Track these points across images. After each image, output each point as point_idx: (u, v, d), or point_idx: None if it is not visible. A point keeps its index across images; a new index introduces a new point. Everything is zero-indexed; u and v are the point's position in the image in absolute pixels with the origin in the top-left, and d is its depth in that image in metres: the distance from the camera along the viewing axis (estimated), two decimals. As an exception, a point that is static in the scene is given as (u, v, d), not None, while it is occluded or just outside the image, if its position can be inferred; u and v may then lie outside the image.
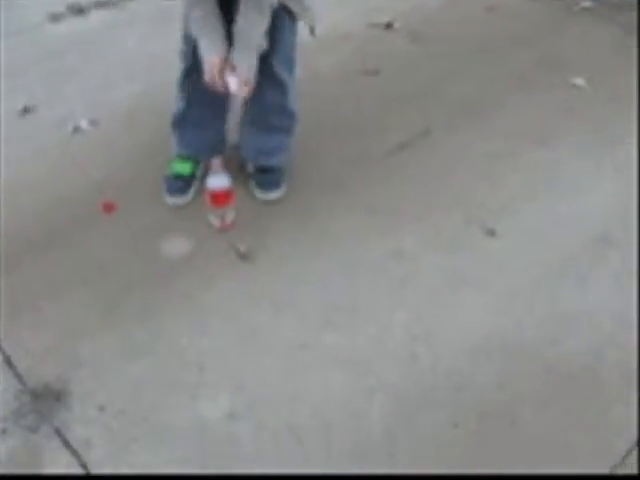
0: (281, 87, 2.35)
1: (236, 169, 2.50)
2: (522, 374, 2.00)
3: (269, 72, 2.24)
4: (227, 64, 2.17)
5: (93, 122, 2.82)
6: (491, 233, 2.38)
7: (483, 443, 1.85)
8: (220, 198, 2.33)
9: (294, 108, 2.44)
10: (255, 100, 2.32)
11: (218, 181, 2.31)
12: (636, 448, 1.83)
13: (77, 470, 1.79)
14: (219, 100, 2.35)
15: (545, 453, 1.83)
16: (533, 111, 2.87)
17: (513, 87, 3.00)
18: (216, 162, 2.28)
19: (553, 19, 3.42)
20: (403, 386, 1.97)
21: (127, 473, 1.79)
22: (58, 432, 1.87)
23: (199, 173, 2.53)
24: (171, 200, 2.48)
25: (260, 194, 2.50)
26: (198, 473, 1.79)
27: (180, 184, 2.49)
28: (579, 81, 3.00)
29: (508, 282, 2.24)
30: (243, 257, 2.31)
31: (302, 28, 2.29)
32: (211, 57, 2.17)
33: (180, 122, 2.47)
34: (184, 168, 2.51)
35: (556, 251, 2.33)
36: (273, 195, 2.50)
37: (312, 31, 2.30)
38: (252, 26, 2.13)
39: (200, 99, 2.37)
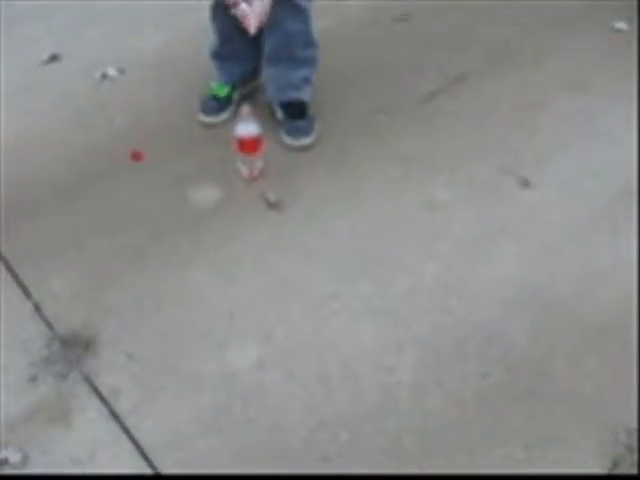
0: (302, 14, 2.31)
1: (266, 117, 2.45)
2: (554, 327, 1.96)
3: (292, 3, 2.19)
4: None
5: (121, 70, 2.79)
6: (525, 183, 2.32)
7: (512, 395, 1.82)
8: (249, 145, 2.29)
9: (316, 37, 2.41)
10: (277, 32, 2.30)
11: (247, 128, 2.27)
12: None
13: (107, 418, 1.80)
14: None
15: (575, 407, 1.80)
16: (572, 56, 2.77)
17: (553, 31, 2.89)
18: (245, 109, 2.24)
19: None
20: (433, 337, 1.94)
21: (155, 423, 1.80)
22: (87, 379, 1.87)
23: (236, 97, 2.56)
24: (205, 119, 2.54)
25: (290, 141, 2.46)
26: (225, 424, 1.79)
27: (215, 104, 2.54)
28: (620, 24, 2.89)
29: (541, 234, 2.18)
30: (272, 206, 2.28)
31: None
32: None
33: (216, 55, 2.51)
34: (221, 90, 2.55)
35: (589, 202, 2.27)
36: (304, 142, 2.45)
37: None
38: None
39: (231, 32, 2.35)
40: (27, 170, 2.41)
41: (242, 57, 2.50)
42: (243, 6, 2.13)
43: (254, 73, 2.57)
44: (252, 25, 2.15)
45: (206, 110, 2.55)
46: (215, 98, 2.55)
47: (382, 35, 2.92)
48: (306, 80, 2.48)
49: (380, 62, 2.79)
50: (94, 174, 2.40)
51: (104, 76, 2.76)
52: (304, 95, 2.49)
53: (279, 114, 2.49)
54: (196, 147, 2.48)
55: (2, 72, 2.78)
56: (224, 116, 2.54)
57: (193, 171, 2.39)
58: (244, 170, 2.34)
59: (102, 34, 2.98)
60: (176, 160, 2.43)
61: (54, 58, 2.85)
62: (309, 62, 2.46)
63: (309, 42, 2.41)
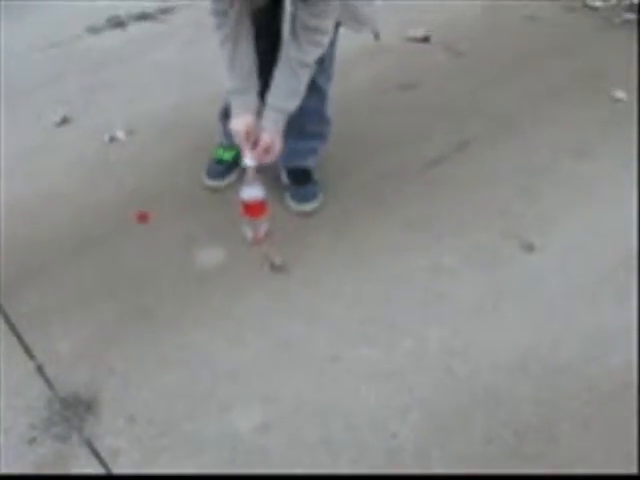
0: (320, 95, 2.36)
1: (271, 181, 2.48)
2: (561, 391, 1.94)
3: (311, 83, 2.23)
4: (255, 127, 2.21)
5: (129, 132, 2.84)
6: (530, 248, 2.33)
7: (519, 460, 1.80)
8: (254, 209, 2.31)
9: (330, 115, 2.45)
10: None
11: (252, 192, 2.29)
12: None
13: (106, 480, 1.78)
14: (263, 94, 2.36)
15: (583, 473, 1.77)
16: (572, 124, 2.82)
17: (552, 100, 2.95)
18: (250, 172, 2.27)
19: (594, 31, 3.36)
20: (437, 401, 1.93)
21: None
22: (88, 442, 1.85)
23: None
24: (210, 183, 2.58)
25: (295, 206, 2.48)
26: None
27: (221, 168, 2.57)
28: (619, 94, 2.95)
29: (547, 297, 2.18)
30: (277, 269, 2.28)
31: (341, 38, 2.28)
32: (237, 122, 2.21)
33: (227, 114, 2.48)
34: (227, 154, 2.58)
35: (595, 266, 2.27)
36: (308, 207, 2.48)
37: (377, 37, 2.30)
38: (290, 91, 2.16)
39: None
40: (36, 230, 2.43)
41: None
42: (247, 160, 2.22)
43: None
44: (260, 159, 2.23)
45: (211, 174, 2.58)
46: (221, 162, 2.58)
47: (388, 103, 2.97)
48: (313, 150, 2.52)
49: (385, 129, 2.83)
50: (101, 235, 2.41)
51: (112, 138, 2.81)
52: (310, 163, 2.52)
53: (284, 178, 2.52)
54: (202, 209, 2.50)
55: (15, 135, 2.83)
56: (229, 179, 2.57)
57: (199, 233, 2.41)
58: (249, 233, 2.35)
59: (112, 98, 3.05)
60: (182, 221, 2.45)
61: (65, 121, 2.91)
62: (319, 137, 2.50)
63: (322, 119, 2.45)
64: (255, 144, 2.22)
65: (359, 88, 3.03)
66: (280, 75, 2.15)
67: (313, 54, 2.12)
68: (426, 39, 3.31)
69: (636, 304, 2.13)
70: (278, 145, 2.23)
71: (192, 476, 1.76)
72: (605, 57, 3.18)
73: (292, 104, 2.18)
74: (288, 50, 2.11)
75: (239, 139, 2.23)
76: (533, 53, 3.22)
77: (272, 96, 2.18)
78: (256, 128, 2.21)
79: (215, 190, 2.56)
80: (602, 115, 2.86)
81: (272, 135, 2.21)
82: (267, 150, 2.22)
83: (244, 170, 2.29)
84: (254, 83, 2.20)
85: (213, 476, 1.76)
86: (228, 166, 2.58)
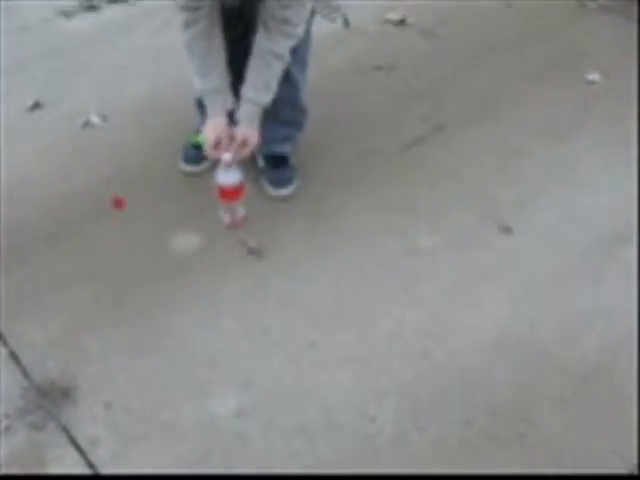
0: (294, 85, 2.33)
1: (247, 164, 2.46)
2: (537, 373, 1.95)
3: (285, 72, 2.20)
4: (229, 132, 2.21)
5: (103, 117, 2.80)
6: (507, 230, 2.33)
7: (497, 441, 1.81)
8: (230, 194, 2.29)
9: (305, 104, 2.43)
10: None
11: (229, 177, 2.27)
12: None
13: (83, 469, 1.76)
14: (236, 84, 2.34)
15: (560, 454, 1.78)
16: (548, 107, 2.82)
17: (528, 82, 2.95)
18: (227, 157, 2.25)
19: (569, 15, 3.35)
20: (415, 384, 1.93)
21: (133, 472, 1.75)
22: (64, 430, 1.84)
23: None
24: (186, 168, 2.55)
25: (272, 191, 2.46)
26: (205, 472, 1.75)
27: (196, 153, 2.51)
28: (594, 77, 2.94)
29: (523, 280, 2.19)
30: (253, 253, 2.27)
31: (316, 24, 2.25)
32: (210, 128, 2.21)
33: (200, 102, 2.45)
34: (202, 139, 2.50)
35: (571, 248, 2.28)
36: (285, 192, 2.46)
37: (346, 23, 2.28)
38: (264, 83, 2.15)
39: None
40: (8, 217, 2.39)
41: None
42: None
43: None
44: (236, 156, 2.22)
45: (187, 159, 2.55)
46: (196, 146, 2.53)
47: (365, 85, 2.96)
48: (289, 138, 2.50)
49: (362, 111, 2.82)
50: (75, 221, 2.38)
51: (87, 123, 2.77)
52: (286, 149, 2.51)
53: (260, 162, 2.51)
54: (178, 194, 2.48)
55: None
56: (205, 165, 2.54)
57: (174, 218, 2.39)
58: (226, 217, 2.34)
59: (85, 83, 3.00)
60: (157, 207, 2.43)
61: (37, 106, 2.86)
62: (294, 124, 2.48)
63: (296, 108, 2.43)
64: (231, 139, 2.20)
65: (336, 70, 3.00)
66: (254, 67, 2.14)
67: (284, 45, 2.10)
68: (403, 22, 3.29)
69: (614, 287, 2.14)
70: (253, 139, 2.21)
71: (192, 476, 1.75)
72: (580, 41, 3.17)
73: (267, 97, 2.17)
74: (260, 41, 2.09)
75: (207, 149, 2.23)
76: (509, 37, 3.21)
77: (246, 88, 2.17)
78: (228, 132, 2.21)
79: (191, 175, 2.54)
80: (577, 97, 2.86)
81: (247, 129, 2.20)
82: (243, 144, 2.20)
83: (215, 174, 2.29)
84: (228, 81, 2.19)
85: (213, 476, 1.74)
86: (203, 151, 2.54)
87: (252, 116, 2.20)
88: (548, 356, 1.99)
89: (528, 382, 1.93)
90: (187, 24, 2.08)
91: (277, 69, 2.14)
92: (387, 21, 3.30)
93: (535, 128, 2.72)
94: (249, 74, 2.15)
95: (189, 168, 2.55)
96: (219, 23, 2.12)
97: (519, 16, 3.35)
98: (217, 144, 2.21)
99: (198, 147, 2.53)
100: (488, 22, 3.32)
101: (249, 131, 2.20)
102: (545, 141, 2.66)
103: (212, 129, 2.22)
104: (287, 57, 2.13)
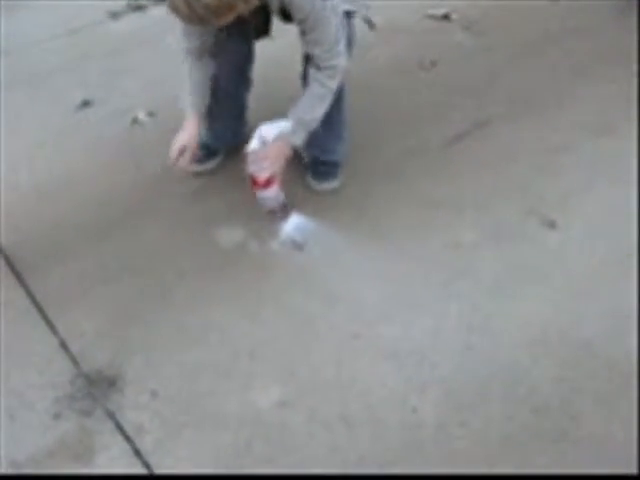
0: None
1: (292, 159, 2.47)
2: (582, 369, 1.93)
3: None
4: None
5: (151, 114, 2.85)
6: (551, 225, 2.31)
7: (539, 437, 1.80)
8: (260, 183, 2.21)
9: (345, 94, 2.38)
10: None
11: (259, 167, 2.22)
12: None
13: (130, 456, 1.80)
14: (239, 104, 2.49)
15: (603, 450, 1.77)
16: (593, 101, 2.79)
17: (573, 78, 2.92)
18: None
19: (614, 11, 3.31)
20: (457, 378, 1.93)
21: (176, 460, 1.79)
22: (111, 416, 1.88)
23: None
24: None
25: (316, 185, 2.49)
26: (246, 462, 1.78)
27: (205, 153, 2.53)
28: (641, 71, 2.90)
29: (568, 275, 2.17)
30: (298, 247, 2.29)
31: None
32: (183, 134, 2.30)
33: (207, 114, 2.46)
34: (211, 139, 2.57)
35: (616, 244, 2.25)
36: (329, 185, 2.48)
37: (371, 26, 2.28)
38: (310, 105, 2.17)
39: (222, 98, 2.41)
40: (58, 211, 2.46)
41: (225, 123, 2.55)
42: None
43: (234, 142, 2.54)
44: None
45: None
46: (204, 146, 2.52)
47: (408, 82, 2.96)
48: (340, 139, 2.47)
49: (405, 107, 2.82)
50: (122, 216, 2.44)
51: (134, 121, 2.82)
52: (339, 156, 2.49)
53: (305, 157, 2.52)
54: (223, 188, 2.51)
55: (36, 118, 2.86)
56: (212, 165, 2.57)
57: (219, 211, 2.42)
58: (269, 210, 2.33)
59: (133, 81, 3.06)
60: (203, 200, 2.46)
61: (86, 104, 2.92)
62: (340, 119, 2.42)
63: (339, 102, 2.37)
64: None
65: (380, 67, 3.01)
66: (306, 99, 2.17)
67: (334, 81, 2.15)
68: (446, 17, 3.28)
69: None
70: (277, 153, 2.18)
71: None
72: (626, 35, 3.12)
73: (311, 116, 2.17)
74: (312, 87, 2.15)
75: (172, 154, 2.28)
76: (554, 33, 3.17)
77: (294, 108, 2.18)
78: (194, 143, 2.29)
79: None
80: (623, 91, 2.82)
81: (281, 141, 2.17)
82: (276, 158, 2.18)
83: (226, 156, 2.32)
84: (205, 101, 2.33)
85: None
86: (213, 150, 2.58)
87: (289, 131, 2.17)
88: (592, 353, 1.97)
89: (571, 378, 1.91)
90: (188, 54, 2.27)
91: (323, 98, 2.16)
92: (430, 17, 3.30)
93: (580, 123, 2.69)
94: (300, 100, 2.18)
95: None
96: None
97: (564, 13, 3.31)
98: (181, 152, 2.28)
99: (205, 146, 2.55)
100: (532, 18, 3.29)
101: (281, 143, 2.18)
102: (591, 135, 2.63)
103: (184, 135, 2.29)
104: (334, 84, 2.15)
